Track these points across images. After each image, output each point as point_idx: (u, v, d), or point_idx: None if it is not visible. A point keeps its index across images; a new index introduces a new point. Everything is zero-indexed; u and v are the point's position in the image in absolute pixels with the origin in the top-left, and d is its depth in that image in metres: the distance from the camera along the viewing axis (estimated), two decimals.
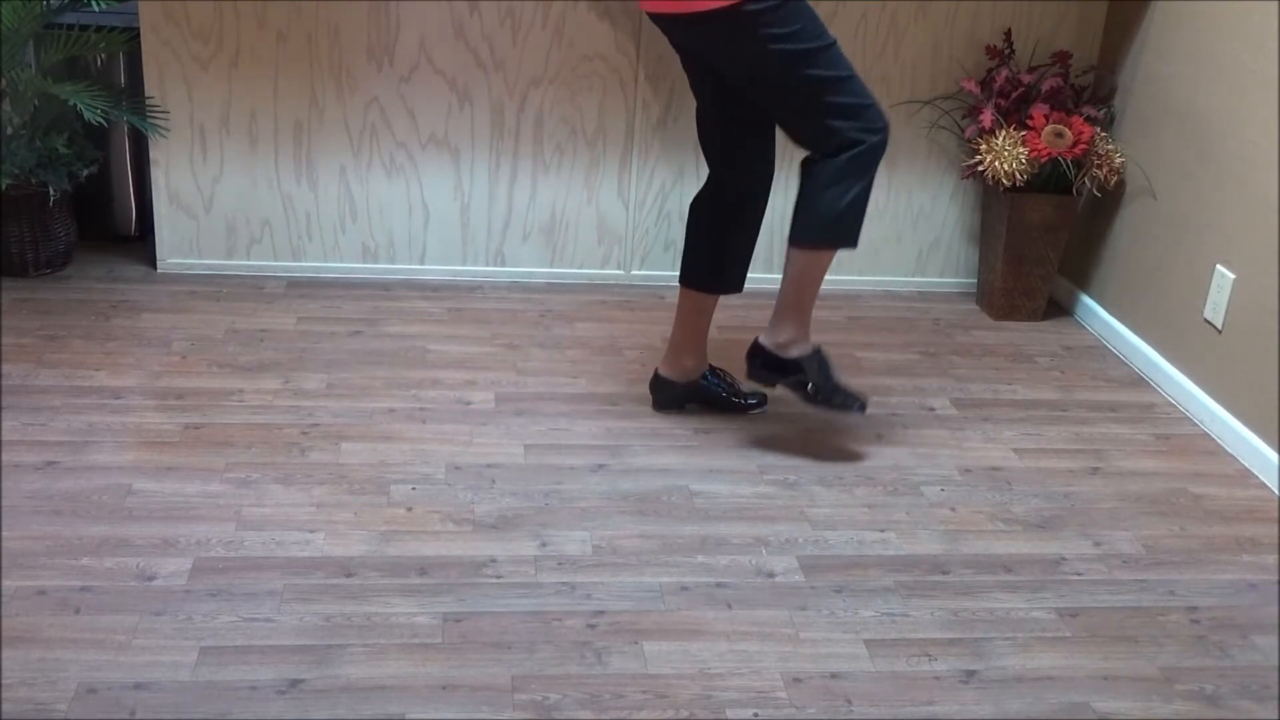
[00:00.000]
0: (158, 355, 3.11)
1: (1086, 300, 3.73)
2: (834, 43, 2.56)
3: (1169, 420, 3.16)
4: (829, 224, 2.64)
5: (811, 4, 3.49)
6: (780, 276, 3.91)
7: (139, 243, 3.77)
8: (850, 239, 2.68)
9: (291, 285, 3.59)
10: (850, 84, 2.57)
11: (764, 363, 2.76)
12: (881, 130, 2.60)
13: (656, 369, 2.99)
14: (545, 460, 2.76)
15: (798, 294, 2.70)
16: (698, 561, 2.43)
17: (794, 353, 2.73)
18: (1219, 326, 3.08)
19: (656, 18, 2.61)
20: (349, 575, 2.30)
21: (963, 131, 3.67)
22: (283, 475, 2.62)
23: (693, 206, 2.84)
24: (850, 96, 2.56)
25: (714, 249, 2.83)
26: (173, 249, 3.60)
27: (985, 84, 3.59)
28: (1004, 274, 3.65)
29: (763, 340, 2.74)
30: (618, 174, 3.63)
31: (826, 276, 3.82)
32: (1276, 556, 2.59)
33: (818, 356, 2.74)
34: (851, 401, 2.75)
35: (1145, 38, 3.47)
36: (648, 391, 3.07)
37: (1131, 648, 2.26)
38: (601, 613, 2.25)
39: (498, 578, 2.33)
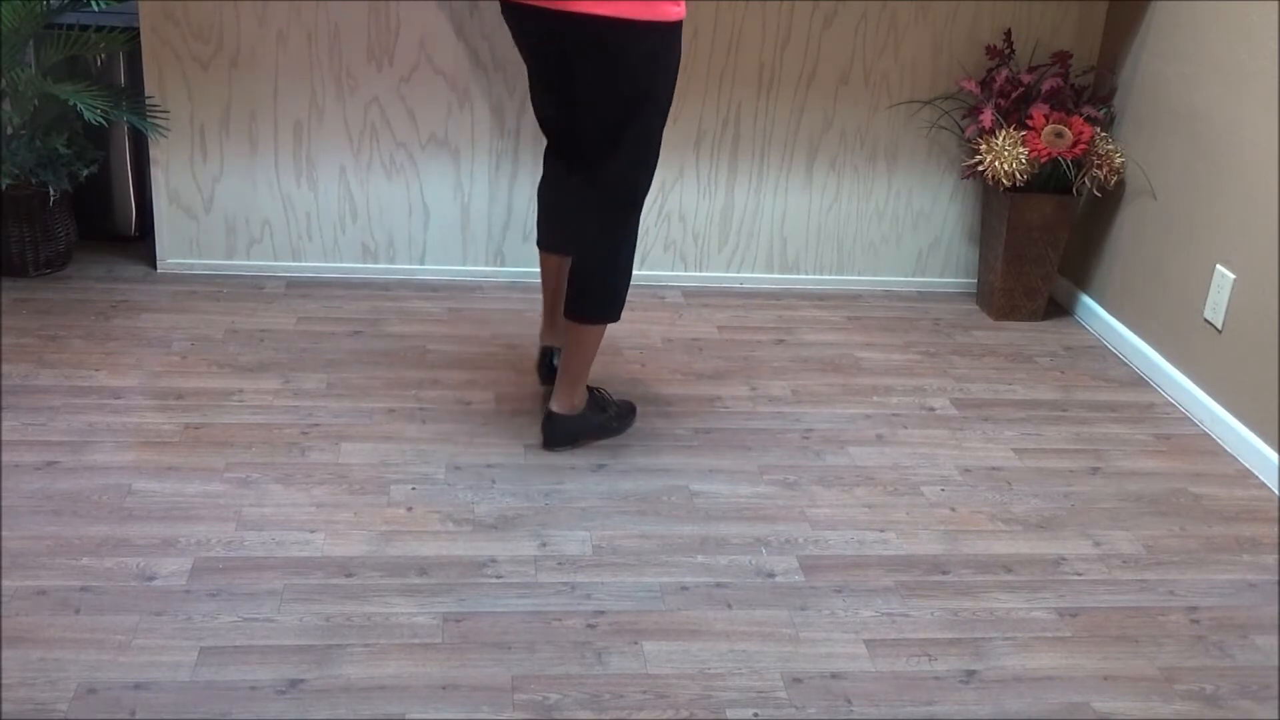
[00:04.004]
0: (158, 355, 3.11)
1: (1086, 300, 3.73)
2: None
3: (1169, 420, 3.16)
4: (615, 295, 2.73)
5: (811, 4, 3.52)
6: (775, 277, 3.91)
7: (139, 243, 3.77)
8: (615, 314, 2.75)
9: (291, 285, 3.59)
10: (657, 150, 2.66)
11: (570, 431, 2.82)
12: (638, 206, 2.69)
13: (550, 344, 2.96)
14: (545, 460, 2.75)
15: (585, 361, 2.77)
16: (698, 561, 2.43)
17: (580, 409, 2.81)
18: (1219, 326, 3.08)
19: (555, 16, 2.49)
20: (349, 575, 2.30)
21: (963, 131, 3.67)
22: (283, 475, 2.62)
23: (550, 174, 2.89)
24: (647, 153, 2.64)
25: (556, 210, 2.90)
26: (173, 249, 3.60)
27: (985, 84, 3.59)
28: (1004, 274, 3.65)
29: (557, 408, 2.79)
30: None
31: (826, 276, 3.86)
32: (1276, 556, 2.59)
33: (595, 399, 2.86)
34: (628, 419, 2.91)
35: (1145, 38, 3.47)
36: (648, 391, 3.07)
37: (1131, 648, 2.26)
38: (601, 613, 2.25)
39: (498, 578, 2.33)
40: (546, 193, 2.92)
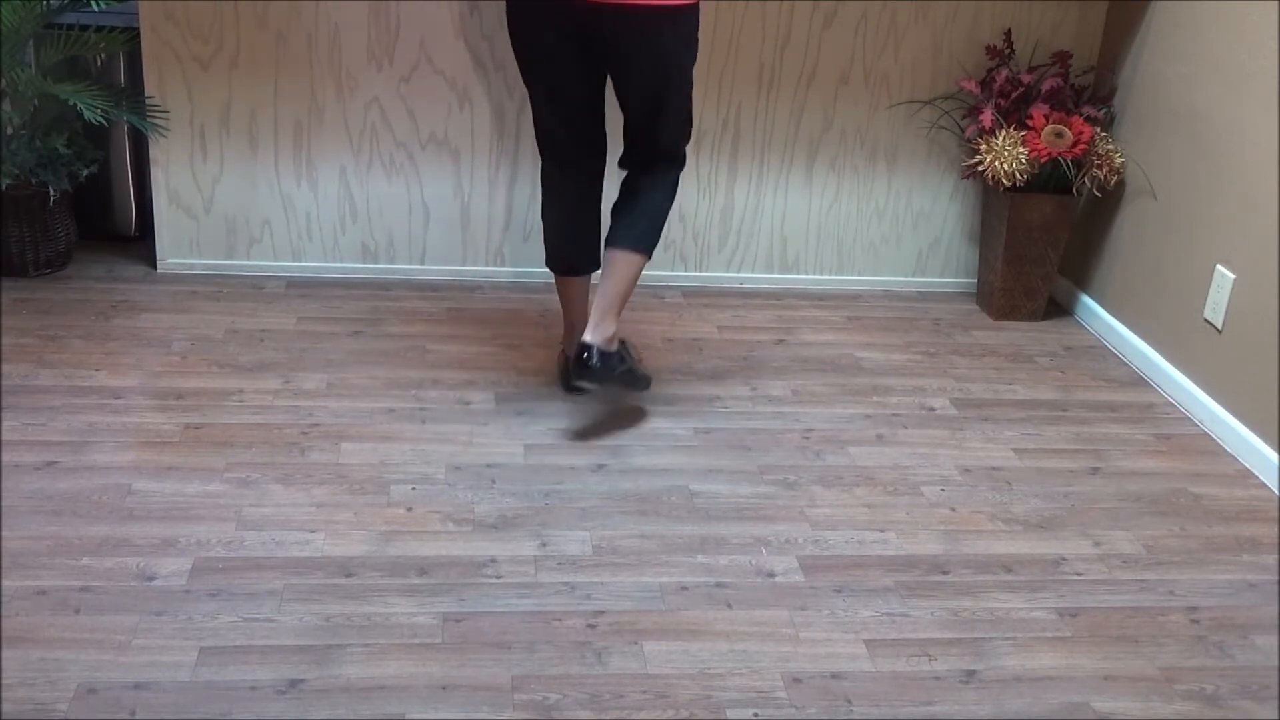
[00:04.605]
0: (158, 355, 3.11)
1: (1086, 300, 3.73)
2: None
3: (1169, 420, 3.16)
4: (657, 233, 2.91)
5: (811, 4, 3.52)
6: (775, 277, 3.90)
7: (139, 243, 3.77)
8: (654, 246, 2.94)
9: (291, 285, 3.59)
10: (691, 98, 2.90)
11: (604, 362, 2.79)
12: (685, 152, 2.98)
13: (593, 345, 2.81)
14: (545, 460, 2.76)
15: (626, 294, 2.85)
16: (698, 561, 2.43)
17: (615, 346, 2.82)
18: (1219, 326, 3.08)
19: (603, 9, 2.61)
20: (349, 575, 2.30)
21: (963, 131, 3.67)
22: (283, 475, 2.62)
23: (566, 195, 2.95)
24: (690, 108, 2.90)
25: (581, 231, 2.98)
26: (173, 249, 3.60)
27: (985, 84, 3.59)
28: (1004, 274, 3.65)
29: (594, 339, 2.76)
30: (617, 174, 3.62)
31: (826, 276, 3.86)
32: (1276, 556, 2.59)
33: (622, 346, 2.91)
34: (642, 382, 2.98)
35: (1145, 38, 3.47)
36: (649, 392, 3.07)
37: (1131, 648, 2.26)
38: (601, 613, 2.25)
39: (498, 578, 2.33)
40: (569, 214, 2.95)
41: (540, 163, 2.99)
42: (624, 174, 2.95)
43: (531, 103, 2.90)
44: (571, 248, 2.96)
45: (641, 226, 2.87)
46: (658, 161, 2.91)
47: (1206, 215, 3.16)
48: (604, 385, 2.86)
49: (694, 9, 2.71)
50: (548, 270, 3.21)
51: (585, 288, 3.00)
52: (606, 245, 2.88)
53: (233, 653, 2.08)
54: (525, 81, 2.87)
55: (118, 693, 1.97)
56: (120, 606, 2.17)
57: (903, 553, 2.50)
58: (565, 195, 2.95)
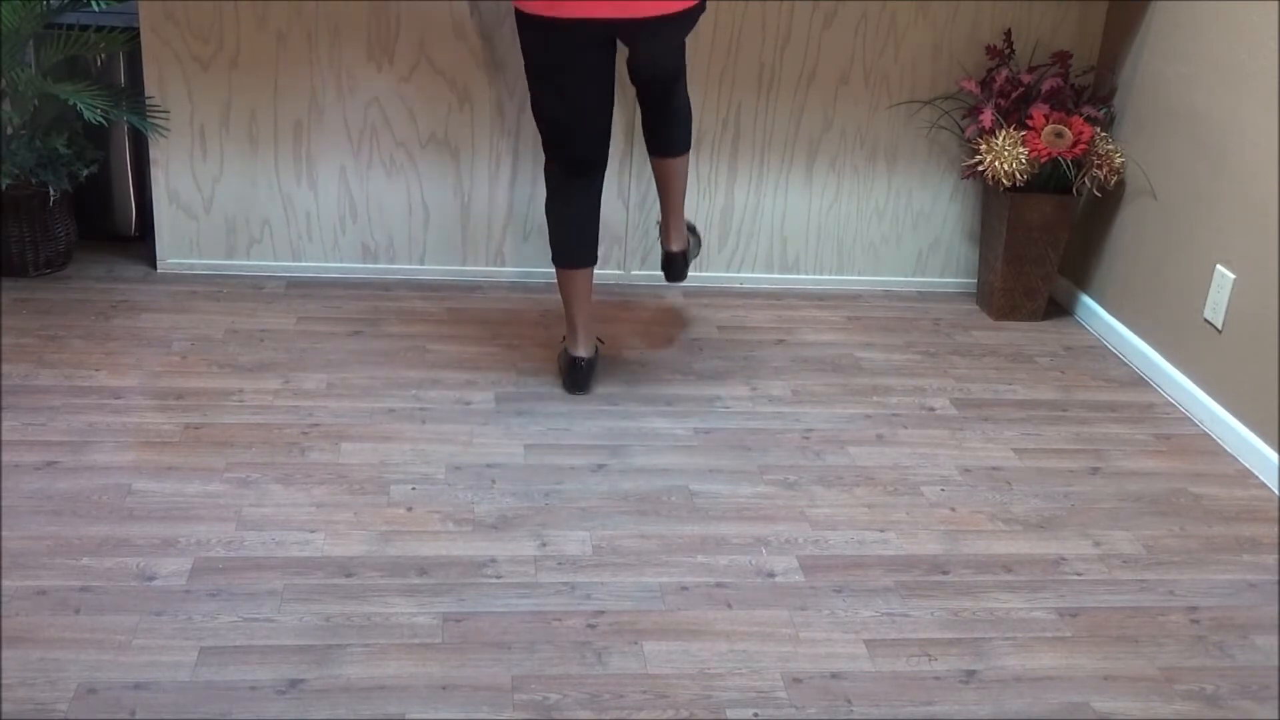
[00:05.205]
0: (158, 355, 3.11)
1: (1086, 300, 3.73)
2: None
3: (1169, 420, 3.16)
4: (690, 131, 3.17)
5: (811, 4, 3.52)
6: (775, 277, 3.90)
7: (139, 243, 3.77)
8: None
9: (291, 285, 3.59)
10: None
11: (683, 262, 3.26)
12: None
13: (588, 354, 3.08)
14: (545, 460, 2.76)
15: (685, 189, 3.19)
16: (698, 561, 2.43)
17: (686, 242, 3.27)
18: (1219, 326, 3.08)
19: (623, 23, 2.74)
20: (349, 575, 2.30)
21: (963, 131, 3.67)
22: (283, 475, 2.62)
23: (577, 193, 3.01)
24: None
25: (593, 224, 3.06)
26: (173, 249, 3.60)
27: (985, 84, 3.59)
28: (1004, 274, 3.65)
29: (677, 249, 3.21)
30: (617, 174, 3.63)
31: (826, 276, 3.86)
32: (1276, 556, 2.59)
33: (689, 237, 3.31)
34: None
35: (1145, 38, 3.47)
36: (648, 391, 3.07)
37: (1131, 648, 2.26)
38: (601, 613, 2.25)
39: (498, 578, 2.33)
40: (581, 210, 3.00)
41: (544, 161, 3.00)
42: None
43: (537, 106, 2.91)
44: (578, 244, 3.00)
45: (683, 129, 3.09)
46: (677, 86, 3.06)
47: (1206, 215, 3.16)
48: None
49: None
50: (548, 270, 3.23)
51: (589, 281, 3.03)
52: (658, 155, 3.08)
53: (233, 653, 2.08)
54: (535, 87, 2.88)
55: (118, 693, 1.97)
56: (120, 606, 2.17)
57: (903, 553, 2.50)
58: (572, 195, 2.98)
